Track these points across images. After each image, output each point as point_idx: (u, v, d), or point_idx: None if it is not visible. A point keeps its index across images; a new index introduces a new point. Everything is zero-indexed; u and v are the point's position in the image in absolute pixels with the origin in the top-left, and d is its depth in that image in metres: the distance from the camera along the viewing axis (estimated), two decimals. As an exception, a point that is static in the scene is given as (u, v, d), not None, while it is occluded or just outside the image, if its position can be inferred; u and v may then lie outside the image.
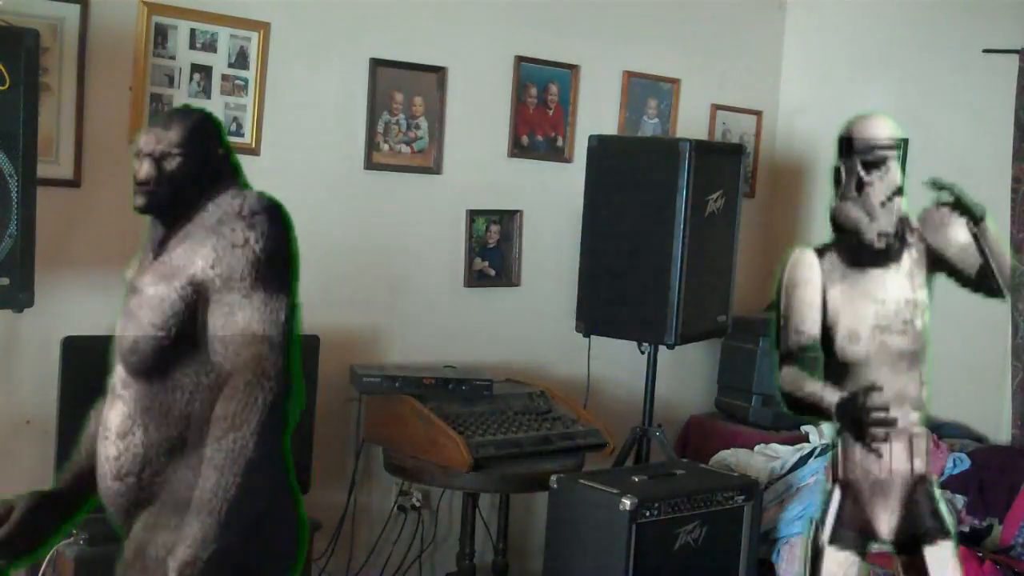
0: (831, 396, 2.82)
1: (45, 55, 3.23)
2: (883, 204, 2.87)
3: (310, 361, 3.50)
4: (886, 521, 2.92)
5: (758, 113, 5.30)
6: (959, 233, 2.88)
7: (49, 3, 3.33)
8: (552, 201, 4.55)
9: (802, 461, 4.48)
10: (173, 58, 3.61)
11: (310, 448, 3.60)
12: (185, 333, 2.09)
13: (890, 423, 2.74)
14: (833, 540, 2.93)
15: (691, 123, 4.98)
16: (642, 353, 4.29)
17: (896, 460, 2.88)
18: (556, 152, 4.59)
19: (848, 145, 2.93)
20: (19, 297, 3.00)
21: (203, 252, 2.09)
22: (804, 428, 4.84)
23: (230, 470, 1.97)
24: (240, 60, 3.73)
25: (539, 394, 4.14)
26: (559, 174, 4.57)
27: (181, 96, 3.61)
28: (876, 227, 2.88)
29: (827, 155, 5.15)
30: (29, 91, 2.97)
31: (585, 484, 3.66)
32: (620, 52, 4.74)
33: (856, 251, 2.92)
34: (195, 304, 2.09)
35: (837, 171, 2.97)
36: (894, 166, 2.91)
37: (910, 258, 2.94)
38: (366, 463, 4.10)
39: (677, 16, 4.94)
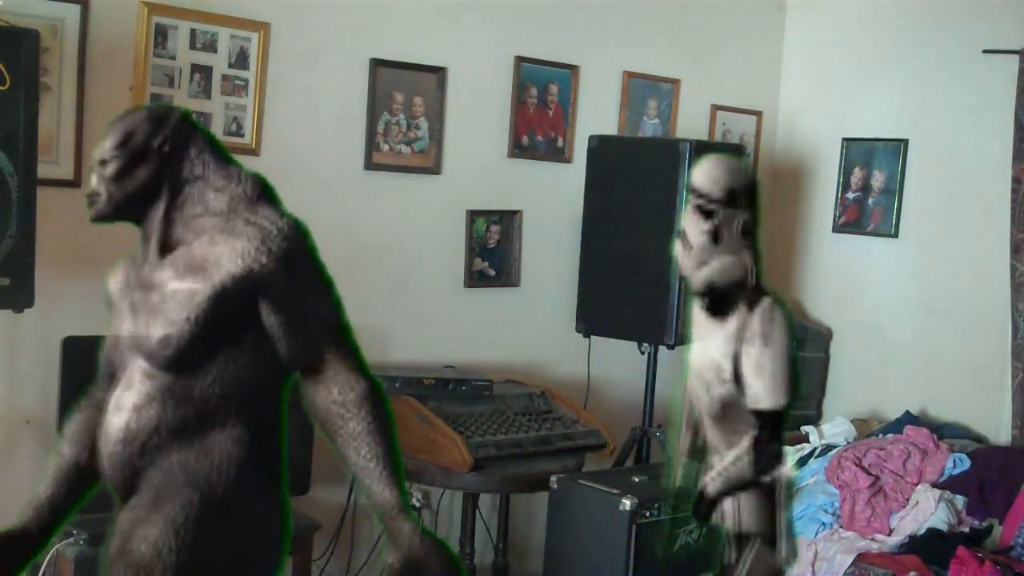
0: None
1: (45, 55, 3.23)
2: None
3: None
4: None
5: (758, 113, 5.30)
6: None
7: (49, 3, 3.33)
8: (552, 201, 4.55)
9: (802, 461, 4.48)
10: (173, 58, 3.61)
11: (310, 448, 3.59)
12: (219, 325, 2.09)
13: None
14: None
15: (691, 123, 4.98)
16: (642, 353, 4.29)
17: None
18: (556, 152, 4.59)
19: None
20: (19, 297, 3.01)
21: (236, 244, 2.07)
22: (804, 428, 4.85)
23: (388, 434, 2.10)
24: (240, 60, 3.73)
25: (539, 394, 4.14)
26: (559, 174, 4.57)
27: (181, 96, 3.61)
28: None
29: (827, 155, 5.26)
30: (29, 91, 2.97)
31: (585, 484, 3.67)
32: (620, 52, 4.74)
33: None
34: (236, 297, 2.07)
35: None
36: None
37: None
38: (366, 463, 4.09)
39: (677, 16, 4.94)
